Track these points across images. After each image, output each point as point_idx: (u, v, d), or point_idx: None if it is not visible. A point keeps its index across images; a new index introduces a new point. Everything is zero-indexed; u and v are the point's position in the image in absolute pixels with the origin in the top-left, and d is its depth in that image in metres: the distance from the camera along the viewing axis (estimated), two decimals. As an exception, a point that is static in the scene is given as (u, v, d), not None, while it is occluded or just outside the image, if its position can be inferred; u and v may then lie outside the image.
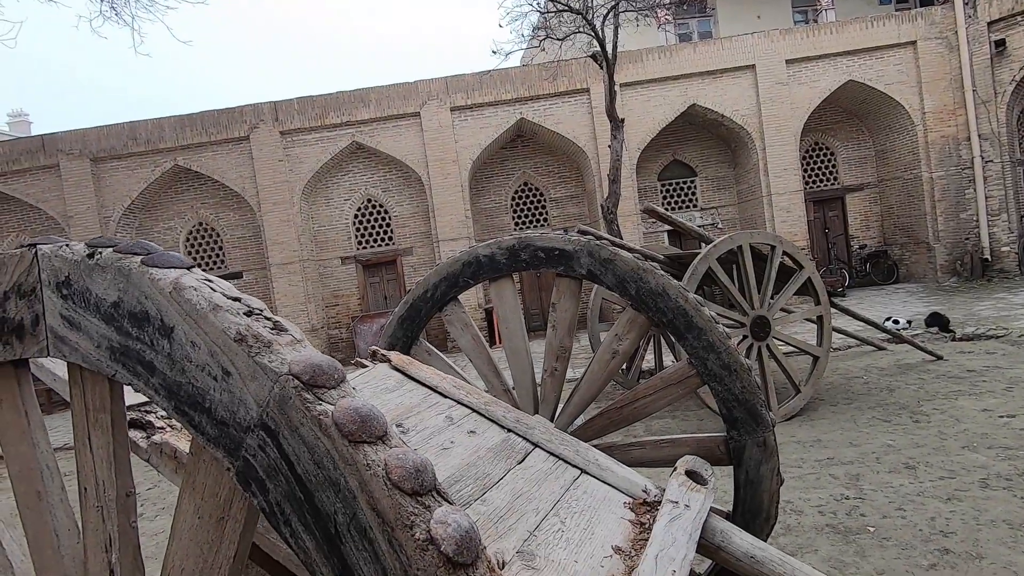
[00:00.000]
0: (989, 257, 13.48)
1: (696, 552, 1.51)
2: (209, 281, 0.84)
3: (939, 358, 7.31)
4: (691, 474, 1.78)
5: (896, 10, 17.47)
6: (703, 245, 6.01)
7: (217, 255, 14.91)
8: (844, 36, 13.79)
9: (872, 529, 3.49)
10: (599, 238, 3.49)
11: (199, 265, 15.26)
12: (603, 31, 10.22)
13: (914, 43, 13.72)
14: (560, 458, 1.78)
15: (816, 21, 17.86)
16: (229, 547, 0.85)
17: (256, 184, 13.83)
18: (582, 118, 13.91)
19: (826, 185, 15.60)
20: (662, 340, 7.79)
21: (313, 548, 0.74)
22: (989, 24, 13.17)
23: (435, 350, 2.44)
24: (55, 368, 1.62)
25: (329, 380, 0.75)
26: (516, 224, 15.46)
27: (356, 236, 14.97)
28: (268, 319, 0.81)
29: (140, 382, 0.85)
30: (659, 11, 13.95)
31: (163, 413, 1.54)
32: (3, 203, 14.09)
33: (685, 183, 15.74)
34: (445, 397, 1.88)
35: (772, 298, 5.92)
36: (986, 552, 3.10)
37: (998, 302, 10.60)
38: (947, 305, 10.73)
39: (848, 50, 13.78)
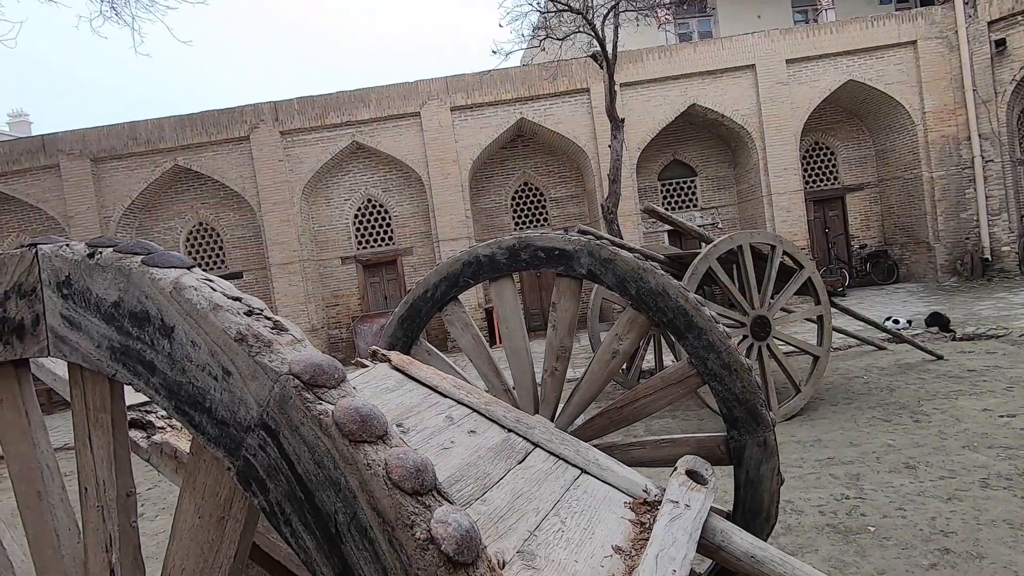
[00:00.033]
0: (989, 257, 13.47)
1: (696, 552, 1.51)
2: (209, 281, 0.84)
3: (939, 358, 7.31)
4: (691, 474, 1.78)
5: (896, 10, 17.46)
6: (703, 245, 6.01)
7: (217, 255, 14.91)
8: (844, 36, 13.79)
9: (872, 529, 3.49)
10: (599, 238, 3.49)
11: (199, 265, 15.22)
12: (603, 31, 10.22)
13: (914, 43, 13.72)
14: (560, 458, 1.78)
15: (816, 21, 17.86)
16: (229, 547, 0.85)
17: (256, 184, 13.83)
18: (582, 118, 13.92)
19: (826, 185, 15.60)
20: (662, 340, 7.79)
21: (313, 548, 0.74)
22: (989, 24, 13.16)
23: (435, 350, 2.44)
24: (55, 368, 1.62)
25: (329, 380, 0.76)
26: (516, 224, 15.46)
27: (356, 236, 14.97)
28: (268, 319, 0.81)
29: (140, 382, 0.85)
30: (659, 11, 13.95)
31: (163, 413, 1.54)
32: (3, 203, 14.09)
33: (685, 183, 15.74)
34: (445, 397, 1.88)
35: (772, 298, 5.92)
36: (986, 552, 3.10)
37: (998, 302, 10.59)
38: (947, 305, 10.73)
39: (848, 50, 13.78)
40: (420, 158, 13.94)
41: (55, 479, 1.09)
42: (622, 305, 5.21)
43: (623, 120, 10.68)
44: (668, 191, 15.70)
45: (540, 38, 11.44)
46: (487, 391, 2.16)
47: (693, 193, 15.72)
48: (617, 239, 7.92)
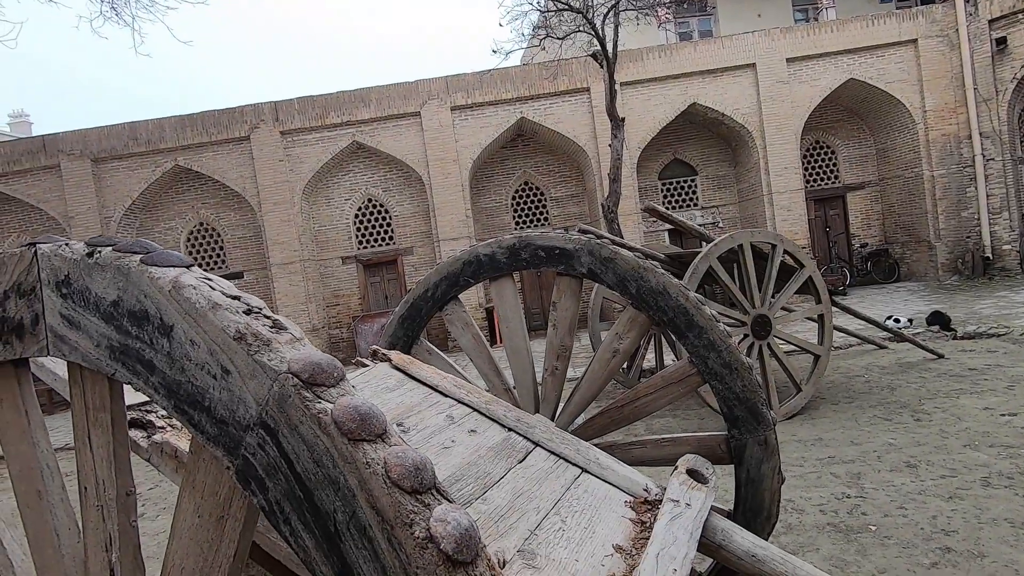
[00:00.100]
0: (990, 255, 13.46)
1: (697, 551, 1.51)
2: (208, 279, 0.83)
3: (940, 356, 7.31)
4: (692, 473, 1.77)
5: (897, 8, 17.44)
6: (704, 244, 6.01)
7: (218, 255, 14.92)
8: (845, 34, 13.78)
9: (873, 528, 3.49)
10: (600, 237, 3.48)
11: (200, 265, 15.22)
12: (603, 30, 10.21)
13: (915, 41, 13.70)
14: (561, 457, 1.78)
15: (817, 19, 17.83)
16: (229, 546, 0.85)
17: (257, 184, 13.83)
18: (582, 117, 13.91)
19: (827, 184, 15.59)
20: (663, 339, 7.78)
21: (312, 546, 0.74)
22: (990, 22, 13.14)
23: (436, 349, 2.43)
24: (56, 367, 1.62)
25: (328, 378, 0.75)
26: (517, 223, 15.45)
27: (357, 236, 14.98)
28: (267, 317, 0.81)
29: (140, 381, 0.85)
30: (659, 10, 13.95)
31: (163, 412, 1.54)
32: (4, 204, 14.10)
33: (686, 182, 15.73)
34: (446, 396, 1.87)
35: (773, 297, 5.92)
36: (988, 550, 3.10)
37: (999, 300, 10.58)
38: (948, 303, 10.72)
39: (849, 48, 13.77)
40: (420, 158, 13.94)
41: (55, 479, 1.09)
42: (622, 304, 5.20)
43: (623, 119, 10.67)
44: (668, 190, 15.69)
45: (540, 37, 11.44)
46: (488, 390, 2.16)
47: (693, 192, 15.71)
48: (618, 238, 7.92)
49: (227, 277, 14.20)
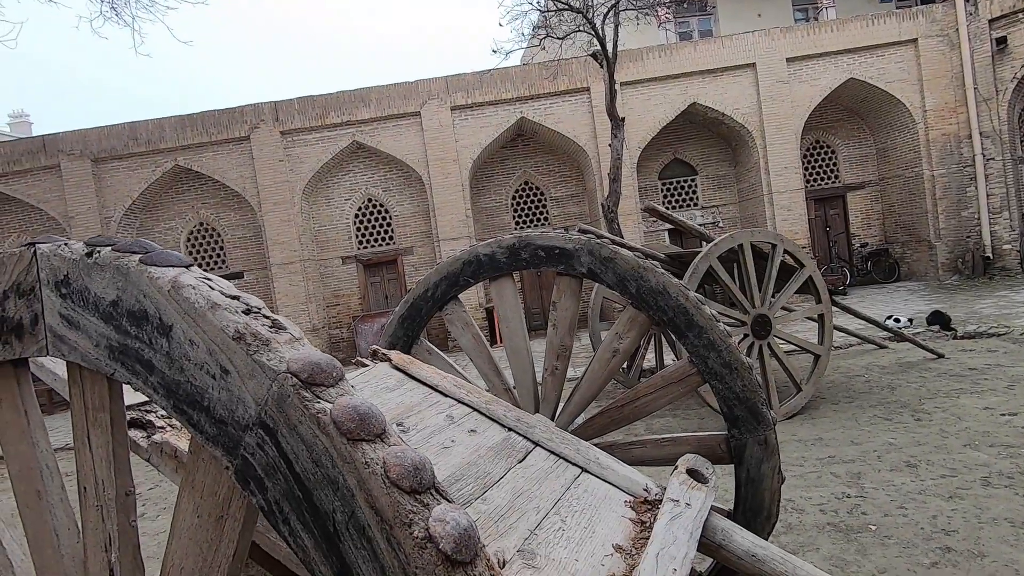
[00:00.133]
0: (991, 255, 13.45)
1: (697, 550, 1.51)
2: (207, 279, 0.83)
3: (940, 356, 7.30)
4: (692, 473, 1.77)
5: (897, 8, 17.43)
6: (704, 244, 6.00)
7: (218, 255, 14.92)
8: (845, 34, 13.77)
9: (874, 527, 3.49)
10: (599, 237, 3.48)
11: (200, 265, 15.19)
12: (603, 30, 10.21)
13: (915, 41, 13.70)
14: (561, 457, 1.78)
15: (817, 19, 17.83)
16: (228, 546, 0.85)
17: (257, 184, 13.83)
18: (582, 117, 13.91)
19: (827, 183, 15.58)
20: (663, 339, 7.78)
21: (311, 546, 0.74)
22: (990, 21, 13.14)
23: (436, 349, 2.43)
24: (55, 367, 1.62)
25: (327, 378, 0.75)
26: (517, 223, 15.45)
27: (357, 236, 14.98)
28: (267, 317, 0.81)
29: (139, 381, 0.85)
30: (659, 9, 13.95)
31: (163, 412, 1.54)
32: (4, 204, 14.11)
33: (686, 182, 15.72)
34: (446, 396, 1.87)
35: (773, 296, 5.91)
36: (988, 550, 3.09)
37: (999, 300, 10.58)
38: (948, 303, 10.71)
39: (849, 48, 13.76)
40: (420, 158, 13.94)
41: (54, 479, 1.09)
42: (623, 304, 5.21)
43: (623, 119, 10.67)
44: (669, 190, 15.68)
45: (540, 37, 11.44)
46: (488, 390, 2.16)
47: (694, 192, 15.71)
48: (618, 238, 7.92)
49: (227, 277, 14.21)
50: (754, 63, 13.81)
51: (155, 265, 0.83)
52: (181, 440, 1.46)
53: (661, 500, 1.64)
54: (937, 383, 6.31)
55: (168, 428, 1.52)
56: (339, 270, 14.90)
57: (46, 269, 0.92)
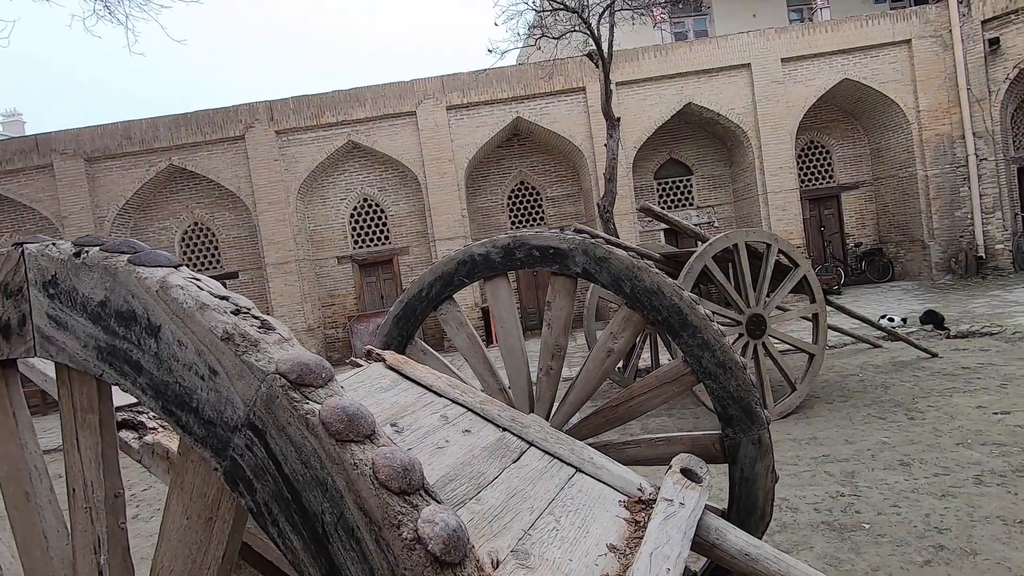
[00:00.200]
0: (984, 255, 13.53)
1: (691, 550, 1.51)
2: (196, 280, 0.83)
3: (934, 355, 7.34)
4: (686, 472, 1.77)
5: (891, 8, 17.51)
6: (699, 243, 6.01)
7: (213, 255, 14.86)
8: (839, 35, 13.82)
9: (867, 526, 3.50)
10: (594, 236, 3.48)
11: (195, 265, 15.08)
12: (599, 30, 10.22)
13: (909, 41, 13.76)
14: (555, 457, 1.77)
15: (811, 20, 17.88)
16: (218, 547, 0.85)
17: (251, 184, 13.79)
18: (578, 117, 13.91)
19: (822, 183, 15.64)
20: (658, 338, 7.79)
21: (300, 548, 0.74)
22: (983, 22, 13.21)
23: (430, 349, 2.43)
24: (46, 368, 1.61)
25: (316, 379, 0.75)
26: (512, 223, 15.45)
27: (352, 235, 14.94)
28: (256, 318, 0.80)
29: (127, 382, 0.84)
30: (655, 10, 13.95)
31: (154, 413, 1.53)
32: (-3, 203, 14.02)
33: (681, 182, 15.75)
34: (440, 396, 1.87)
35: (768, 296, 5.93)
36: (980, 548, 3.11)
37: (992, 299, 10.64)
38: (942, 303, 10.77)
39: (843, 48, 13.81)
40: (416, 157, 13.92)
41: (43, 480, 1.08)
42: (617, 304, 5.21)
43: (619, 119, 10.67)
44: (664, 190, 15.71)
45: (536, 37, 11.43)
46: (482, 390, 2.15)
47: (689, 192, 15.74)
48: (613, 238, 7.92)
49: (222, 277, 14.17)
50: (749, 63, 13.85)
51: (143, 265, 0.83)
52: (172, 441, 1.45)
53: (655, 500, 1.64)
54: (930, 382, 6.34)
55: (160, 429, 1.51)
56: (334, 270, 14.86)
57: (34, 269, 0.91)
